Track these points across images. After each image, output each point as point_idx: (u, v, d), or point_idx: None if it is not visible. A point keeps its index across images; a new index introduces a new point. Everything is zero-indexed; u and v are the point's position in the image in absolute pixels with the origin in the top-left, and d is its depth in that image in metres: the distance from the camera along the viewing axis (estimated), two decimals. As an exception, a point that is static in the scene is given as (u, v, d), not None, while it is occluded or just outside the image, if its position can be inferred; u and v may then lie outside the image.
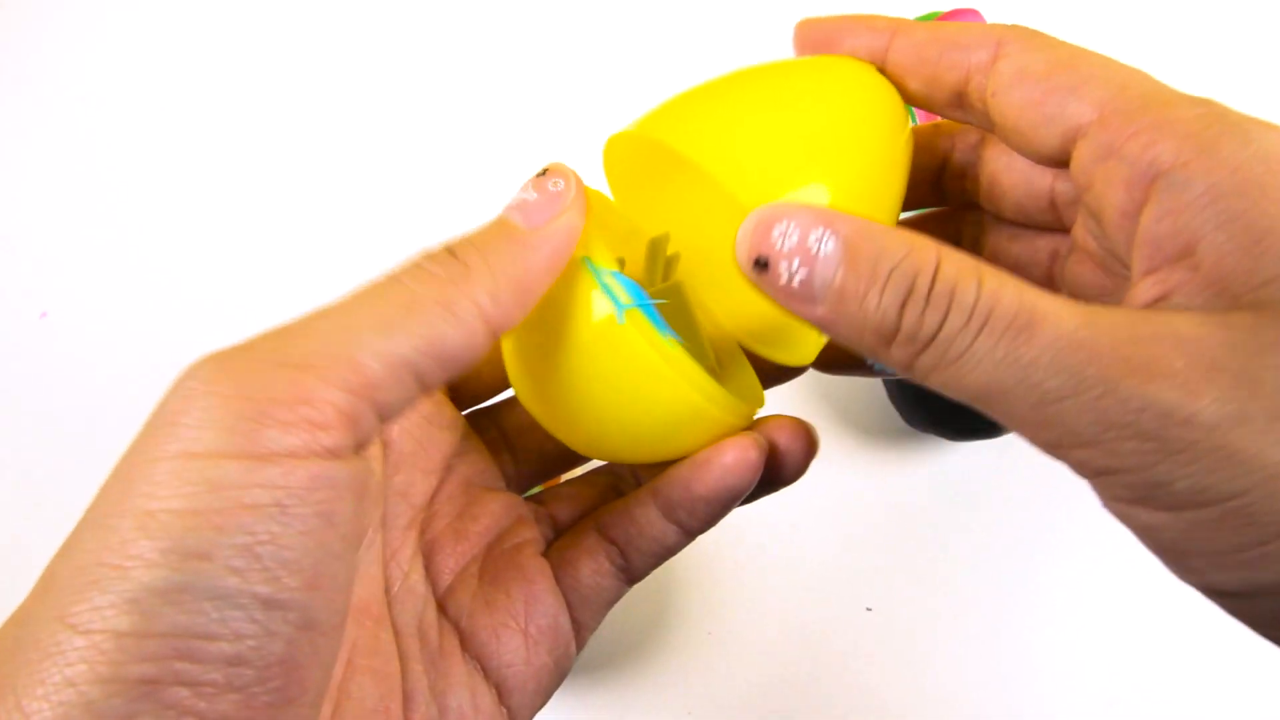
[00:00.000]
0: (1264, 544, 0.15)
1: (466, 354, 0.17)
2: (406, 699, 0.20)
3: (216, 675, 0.14)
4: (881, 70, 0.21)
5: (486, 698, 0.20)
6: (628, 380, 0.19)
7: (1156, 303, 0.16)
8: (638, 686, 0.40)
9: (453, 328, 0.17)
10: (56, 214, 0.46)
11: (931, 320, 0.16)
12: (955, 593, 0.40)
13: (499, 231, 0.18)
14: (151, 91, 0.48)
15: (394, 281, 0.17)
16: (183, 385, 0.15)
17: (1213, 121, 0.16)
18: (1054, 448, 0.16)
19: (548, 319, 0.20)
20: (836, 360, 0.23)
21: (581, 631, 0.22)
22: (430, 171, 0.46)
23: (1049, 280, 0.21)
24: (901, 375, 0.17)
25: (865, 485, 0.42)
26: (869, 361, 0.18)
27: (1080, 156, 0.18)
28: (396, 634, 0.20)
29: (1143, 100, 0.17)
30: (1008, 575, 0.41)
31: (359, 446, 0.16)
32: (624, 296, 0.19)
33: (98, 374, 0.43)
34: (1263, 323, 0.15)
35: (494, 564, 0.22)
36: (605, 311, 0.19)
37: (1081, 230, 0.20)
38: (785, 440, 0.21)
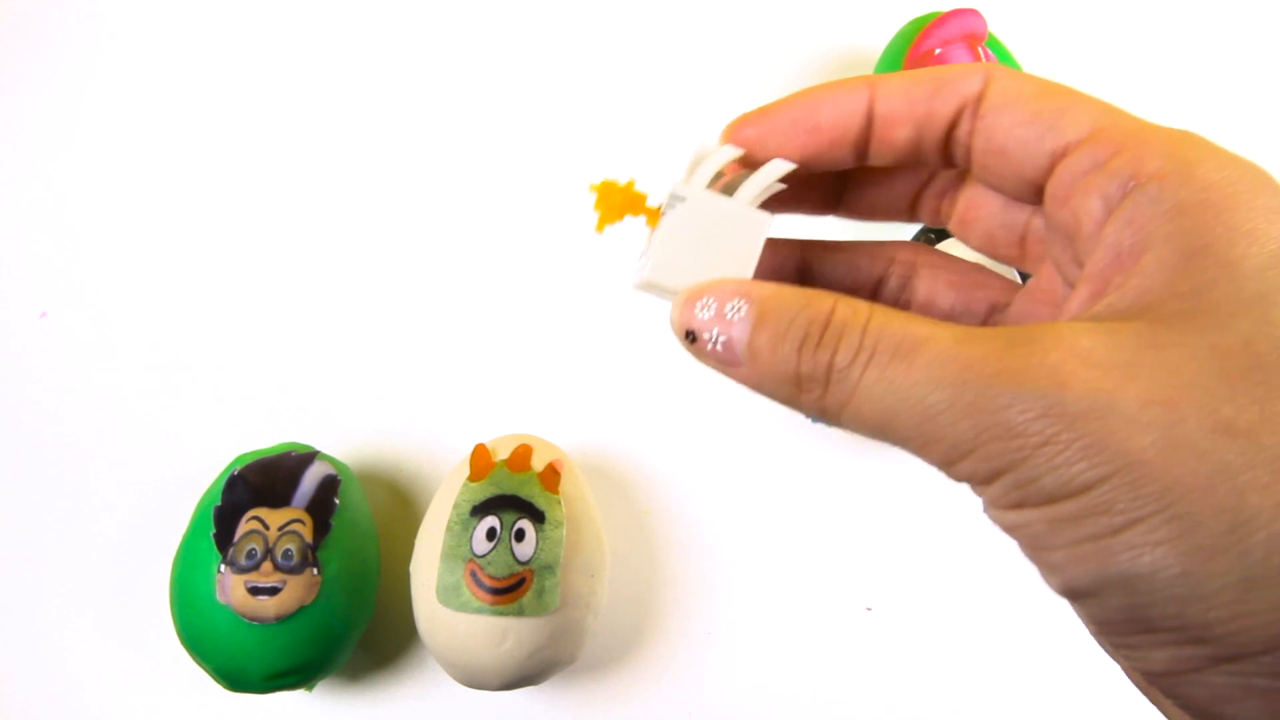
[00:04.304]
0: (1118, 532, 0.14)
1: None
2: None
3: None
4: (865, 127, 0.20)
5: None
6: None
7: (1083, 307, 0.17)
8: (638, 686, 0.40)
9: None
10: (56, 214, 0.46)
11: (823, 359, 0.17)
12: (955, 592, 0.41)
13: None
14: (152, 91, 0.48)
15: None
16: None
17: (1195, 145, 0.17)
18: (946, 465, 0.16)
19: None
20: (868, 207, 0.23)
21: None
22: (432, 176, 0.46)
23: (1022, 245, 0.22)
24: (823, 422, 0.18)
25: (865, 485, 0.42)
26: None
27: (1064, 170, 0.18)
28: None
29: (1130, 123, 0.18)
30: (1008, 575, 0.41)
31: None
32: None
33: (98, 374, 0.43)
34: (1155, 329, 0.15)
35: None
36: None
37: (1048, 265, 0.20)
38: None
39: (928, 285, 0.22)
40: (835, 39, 0.48)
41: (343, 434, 0.42)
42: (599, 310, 0.44)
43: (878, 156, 0.20)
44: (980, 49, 0.40)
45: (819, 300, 0.17)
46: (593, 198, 0.21)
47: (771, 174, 0.20)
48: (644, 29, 0.48)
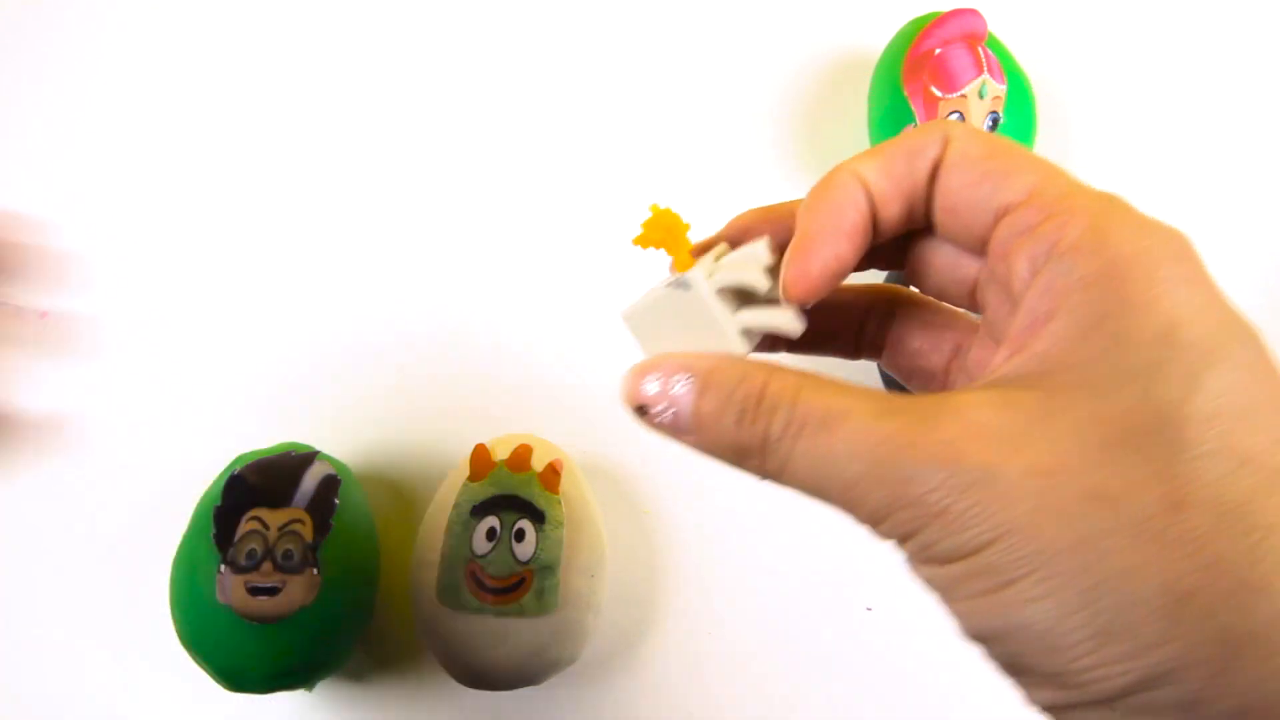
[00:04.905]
0: (1000, 591, 0.16)
1: None
2: None
3: None
4: (872, 213, 0.21)
5: None
6: None
7: (1001, 363, 0.18)
8: (638, 686, 0.40)
9: None
10: (57, 214, 0.46)
11: (759, 430, 0.19)
12: (955, 593, 0.40)
13: None
14: (154, 91, 0.48)
15: None
16: None
17: (1113, 214, 0.18)
18: (871, 526, 0.18)
19: None
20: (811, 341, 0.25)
21: None
22: (432, 177, 0.46)
23: (944, 375, 0.23)
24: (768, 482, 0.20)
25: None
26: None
27: (1003, 229, 0.19)
28: None
29: (1062, 188, 0.19)
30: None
31: None
32: None
33: (97, 374, 0.43)
34: (1047, 400, 0.17)
35: None
36: None
37: (990, 311, 0.21)
38: None
39: (901, 326, 0.24)
40: (835, 39, 0.48)
41: (343, 434, 0.42)
42: (599, 310, 0.44)
43: (880, 234, 0.21)
44: (980, 49, 0.40)
45: (754, 374, 0.19)
46: (648, 215, 0.22)
47: (781, 325, 0.21)
48: (645, 29, 0.48)
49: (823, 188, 0.21)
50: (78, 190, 0.46)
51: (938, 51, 0.40)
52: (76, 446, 0.42)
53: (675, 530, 0.41)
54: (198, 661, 0.34)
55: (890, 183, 0.20)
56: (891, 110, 0.41)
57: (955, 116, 0.40)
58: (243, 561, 0.33)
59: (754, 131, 0.47)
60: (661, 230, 0.22)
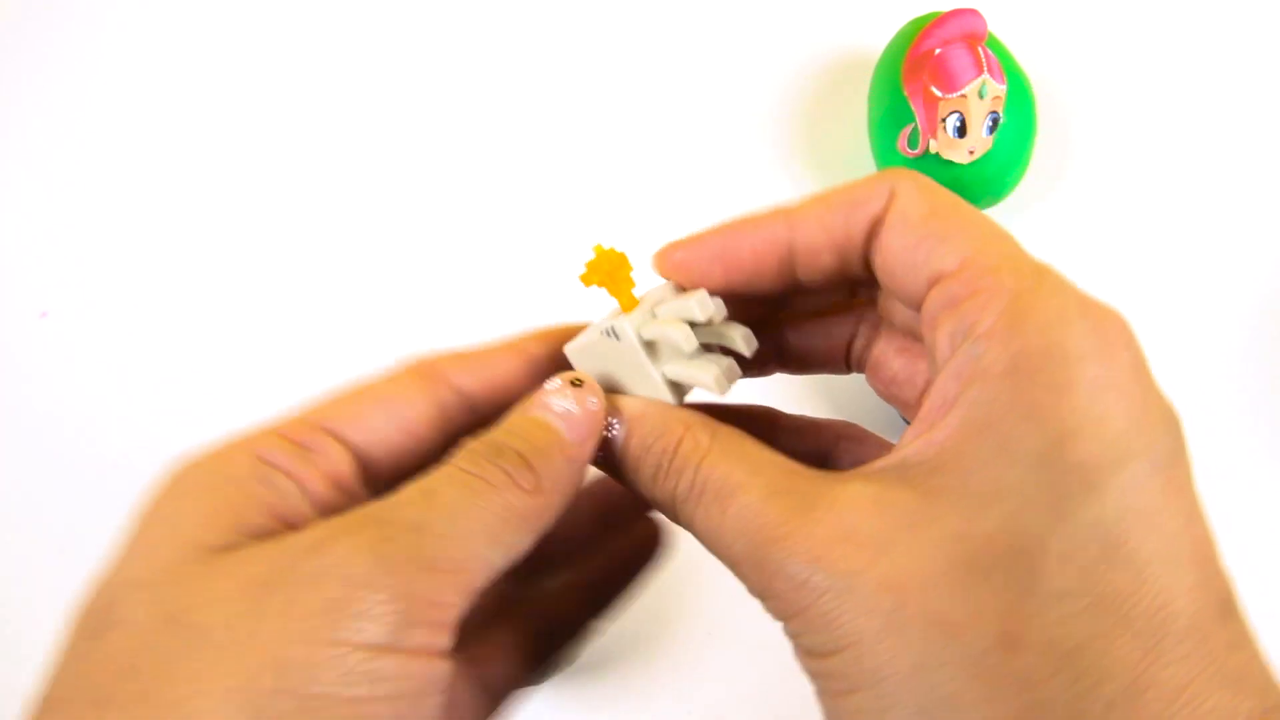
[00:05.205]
0: (841, 697, 0.17)
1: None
2: None
3: None
4: (787, 259, 0.21)
5: None
6: None
7: (906, 448, 0.18)
8: (638, 686, 0.40)
9: (529, 542, 0.19)
10: (56, 214, 0.46)
11: (669, 488, 0.19)
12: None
13: (557, 448, 0.20)
14: (152, 90, 0.48)
15: (490, 487, 0.18)
16: (338, 568, 0.16)
17: (1034, 299, 0.17)
18: (757, 599, 0.18)
19: None
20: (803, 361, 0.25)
21: None
22: (430, 177, 0.46)
23: (917, 408, 0.23)
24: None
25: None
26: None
27: (931, 301, 0.19)
28: None
29: (992, 260, 0.18)
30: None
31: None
32: None
33: (98, 374, 0.43)
34: (921, 506, 0.17)
35: None
36: None
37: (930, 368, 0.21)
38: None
39: (881, 350, 0.23)
40: (835, 39, 0.48)
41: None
42: (598, 310, 0.44)
43: (809, 281, 0.21)
44: (980, 49, 0.40)
45: (673, 429, 0.19)
46: (592, 256, 0.22)
47: (704, 383, 0.21)
48: (644, 29, 0.48)
49: (748, 218, 0.21)
50: (76, 190, 0.46)
51: (938, 51, 0.40)
52: (76, 446, 0.42)
53: (675, 530, 0.41)
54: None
55: (825, 235, 0.20)
56: (891, 110, 0.41)
57: (955, 117, 0.40)
58: (243, 561, 0.33)
59: (754, 131, 0.47)
60: (604, 272, 0.22)
